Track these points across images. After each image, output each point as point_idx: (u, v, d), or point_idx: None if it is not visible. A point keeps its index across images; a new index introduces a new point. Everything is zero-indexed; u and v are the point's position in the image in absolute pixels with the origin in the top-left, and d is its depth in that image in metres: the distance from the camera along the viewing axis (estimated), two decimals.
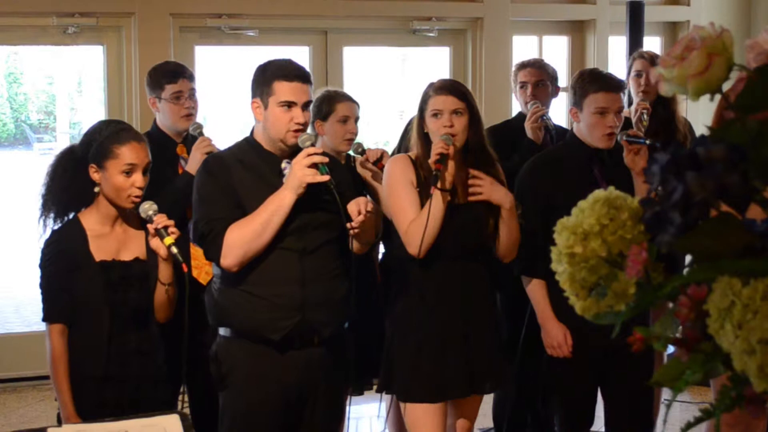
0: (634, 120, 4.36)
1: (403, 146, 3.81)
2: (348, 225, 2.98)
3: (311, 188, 3.00)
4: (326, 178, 2.93)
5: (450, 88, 3.33)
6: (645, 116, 4.35)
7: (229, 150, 3.22)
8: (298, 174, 2.94)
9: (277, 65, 3.12)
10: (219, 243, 2.99)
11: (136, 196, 2.99)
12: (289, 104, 3.04)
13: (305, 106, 3.07)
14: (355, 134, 3.95)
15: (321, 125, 3.91)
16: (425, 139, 3.32)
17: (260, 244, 2.99)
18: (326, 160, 3.00)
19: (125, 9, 5.84)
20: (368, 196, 3.57)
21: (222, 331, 3.16)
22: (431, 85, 3.36)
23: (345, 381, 3.34)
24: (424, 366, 3.30)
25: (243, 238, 2.97)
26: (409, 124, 3.66)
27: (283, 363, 3.08)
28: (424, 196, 3.25)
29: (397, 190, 3.30)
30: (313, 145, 3.05)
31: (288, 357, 3.09)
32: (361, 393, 3.95)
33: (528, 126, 4.24)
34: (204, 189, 3.09)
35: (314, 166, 2.94)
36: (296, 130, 3.05)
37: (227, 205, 3.03)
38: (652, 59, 4.66)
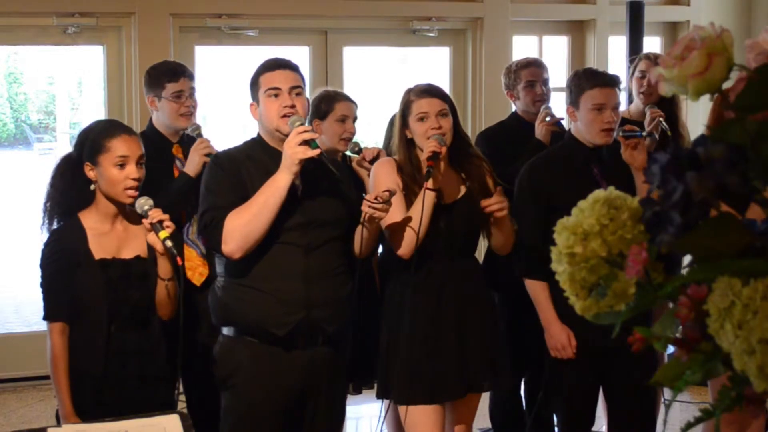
0: (648, 128, 4.34)
1: (386, 141, 3.84)
2: (367, 199, 3.03)
3: (316, 182, 3.03)
4: (317, 151, 2.95)
5: (432, 91, 3.36)
6: (663, 123, 4.33)
7: (236, 148, 3.25)
8: (290, 152, 2.95)
9: (261, 64, 3.19)
10: (220, 230, 3.00)
11: (133, 188, 3.00)
12: (276, 92, 3.08)
13: (292, 90, 3.09)
14: (353, 134, 3.96)
15: (319, 125, 3.91)
16: (408, 145, 3.34)
17: (259, 227, 2.98)
18: (316, 135, 3.04)
19: (125, 9, 5.84)
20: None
21: (225, 330, 3.16)
22: (410, 90, 3.38)
23: (346, 381, 3.35)
24: (420, 367, 3.30)
25: (241, 220, 2.98)
26: (392, 122, 3.68)
27: (286, 363, 3.09)
28: (408, 200, 3.29)
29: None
30: (302, 124, 3.05)
31: (291, 357, 3.09)
32: (359, 392, 3.95)
33: (541, 127, 4.20)
34: (212, 181, 3.11)
35: (305, 143, 2.95)
36: (286, 115, 3.06)
37: (233, 196, 3.04)
38: (656, 61, 4.64)
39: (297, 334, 3.08)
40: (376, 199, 3.02)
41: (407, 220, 3.23)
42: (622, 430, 3.65)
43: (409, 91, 3.38)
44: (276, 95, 3.08)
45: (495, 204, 3.23)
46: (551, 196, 3.48)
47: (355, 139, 3.98)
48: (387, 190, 3.05)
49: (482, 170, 3.41)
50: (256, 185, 3.04)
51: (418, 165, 3.32)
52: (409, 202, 3.29)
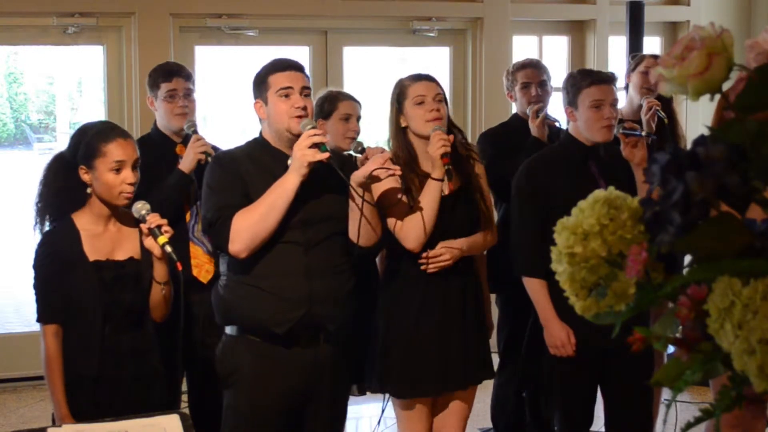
0: (646, 118, 4.37)
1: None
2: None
3: (316, 179, 3.02)
4: (327, 155, 2.95)
5: (428, 76, 3.37)
6: (661, 113, 4.36)
7: (238, 148, 3.25)
8: (299, 155, 2.96)
9: (269, 63, 3.18)
10: (227, 229, 3.00)
11: (128, 193, 3.00)
12: (287, 92, 3.07)
13: (303, 91, 3.09)
14: (357, 132, 3.98)
15: (323, 124, 3.92)
16: (403, 133, 3.33)
17: (267, 228, 2.99)
18: (326, 139, 3.04)
19: (125, 9, 5.84)
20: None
21: (228, 329, 3.17)
22: (403, 78, 3.38)
23: (348, 381, 3.35)
24: (420, 361, 3.30)
25: (249, 221, 2.99)
26: None
27: (288, 362, 3.09)
28: (410, 195, 3.27)
29: (383, 187, 3.31)
30: (314, 127, 3.05)
31: (294, 356, 3.09)
32: (364, 393, 3.94)
33: (533, 125, 4.24)
34: (214, 180, 3.11)
35: (315, 146, 2.95)
36: (298, 116, 3.06)
37: (236, 194, 3.05)
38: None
39: (298, 332, 3.08)
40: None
41: (415, 212, 3.22)
42: (620, 430, 3.65)
43: (401, 80, 3.38)
44: (287, 95, 3.08)
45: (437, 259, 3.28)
46: (549, 195, 3.48)
47: (357, 138, 3.99)
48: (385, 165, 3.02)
49: (473, 168, 3.40)
50: (256, 185, 3.05)
51: (414, 153, 3.33)
52: (406, 192, 3.28)
